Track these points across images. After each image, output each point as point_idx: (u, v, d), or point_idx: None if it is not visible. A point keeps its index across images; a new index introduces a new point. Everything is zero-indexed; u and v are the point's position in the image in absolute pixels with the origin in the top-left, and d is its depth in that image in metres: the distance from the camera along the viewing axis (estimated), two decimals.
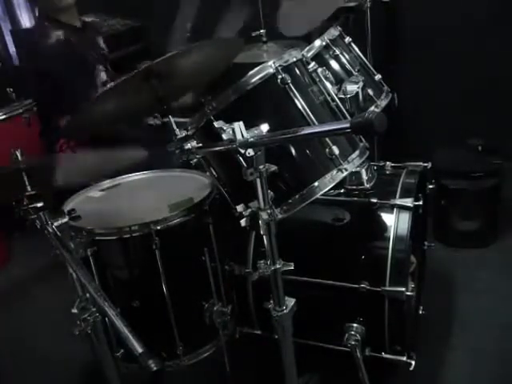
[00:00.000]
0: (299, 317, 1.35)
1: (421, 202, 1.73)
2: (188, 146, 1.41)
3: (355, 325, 1.68)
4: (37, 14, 2.59)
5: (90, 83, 2.33)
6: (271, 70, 1.43)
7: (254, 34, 2.58)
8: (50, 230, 1.23)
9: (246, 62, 2.21)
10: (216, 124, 1.24)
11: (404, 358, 1.68)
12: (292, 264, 1.31)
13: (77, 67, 2.25)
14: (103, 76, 2.40)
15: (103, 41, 2.51)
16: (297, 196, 1.41)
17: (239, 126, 1.19)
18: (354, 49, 1.97)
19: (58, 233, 1.23)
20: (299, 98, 1.44)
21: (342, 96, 1.76)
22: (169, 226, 1.58)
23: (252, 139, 1.19)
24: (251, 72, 1.43)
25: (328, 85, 1.62)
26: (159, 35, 3.55)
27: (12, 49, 3.75)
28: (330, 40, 1.87)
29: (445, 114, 2.94)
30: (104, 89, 2.33)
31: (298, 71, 1.51)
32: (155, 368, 0.99)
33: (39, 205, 1.21)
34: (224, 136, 1.21)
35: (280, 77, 1.43)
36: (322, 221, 1.81)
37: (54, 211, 1.28)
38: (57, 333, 2.22)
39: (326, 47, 1.87)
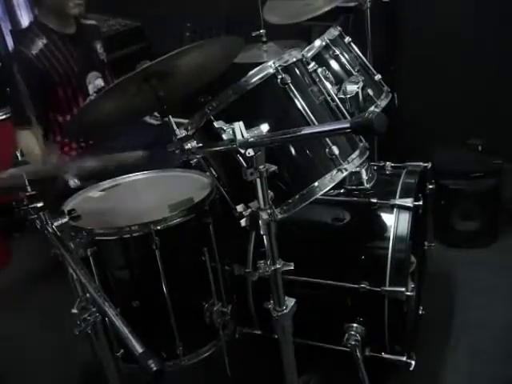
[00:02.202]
0: (299, 317, 1.35)
1: (421, 202, 1.73)
2: (188, 146, 1.41)
3: (355, 325, 1.68)
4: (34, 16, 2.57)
5: (75, 92, 2.31)
6: (271, 70, 1.43)
7: (254, 34, 2.58)
8: (50, 229, 1.23)
9: (246, 62, 2.21)
10: (216, 124, 1.24)
11: (404, 358, 1.68)
12: (292, 264, 1.31)
13: (52, 80, 2.23)
14: (99, 82, 2.39)
15: (102, 45, 2.47)
16: (297, 196, 1.41)
17: (239, 125, 1.19)
18: (353, 49, 1.97)
19: (58, 233, 1.23)
20: (299, 98, 1.44)
21: (342, 96, 1.76)
22: (169, 225, 1.58)
23: (252, 139, 1.19)
24: (251, 72, 1.43)
25: (328, 85, 1.62)
26: (159, 35, 3.56)
27: (12, 49, 3.74)
28: (329, 40, 1.87)
29: (445, 114, 2.94)
30: (99, 93, 2.33)
31: (298, 71, 1.51)
32: (155, 368, 0.98)
33: (39, 205, 1.21)
34: (224, 136, 1.21)
35: (280, 77, 1.43)
36: (322, 221, 1.81)
37: (54, 211, 1.29)
38: (57, 333, 2.23)
39: (326, 47, 1.87)
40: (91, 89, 2.35)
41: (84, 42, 2.40)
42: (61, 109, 2.28)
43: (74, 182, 1.81)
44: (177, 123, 1.48)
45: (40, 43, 2.21)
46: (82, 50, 2.36)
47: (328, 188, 1.42)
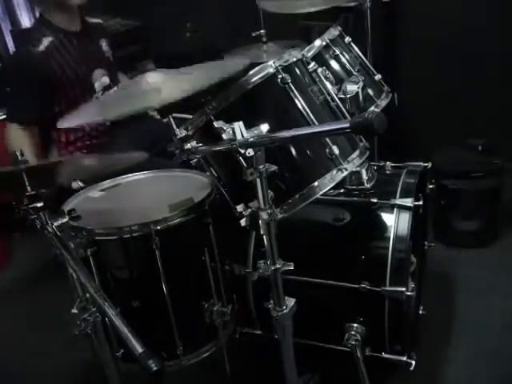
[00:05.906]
0: (299, 317, 1.35)
1: (421, 202, 1.73)
2: (188, 146, 1.41)
3: (355, 325, 1.68)
4: (37, 15, 2.56)
5: (82, 90, 2.29)
6: (271, 70, 1.43)
7: (254, 34, 2.58)
8: (50, 229, 1.22)
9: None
10: (216, 124, 1.24)
11: (404, 358, 1.68)
12: (292, 264, 1.31)
13: (59, 77, 2.21)
14: (105, 80, 2.39)
15: (107, 43, 2.46)
16: (297, 196, 1.41)
17: (239, 126, 1.19)
18: (353, 49, 1.98)
19: (58, 233, 1.23)
20: (299, 97, 1.44)
21: (342, 96, 1.76)
22: (169, 225, 1.57)
23: (252, 139, 1.19)
24: (251, 72, 1.43)
25: (328, 85, 1.62)
26: (159, 35, 3.56)
27: (12, 49, 3.75)
28: (329, 40, 1.87)
29: (445, 114, 2.94)
30: (106, 92, 2.33)
31: (298, 71, 1.51)
32: (155, 368, 0.99)
33: (39, 205, 1.21)
34: (224, 136, 1.21)
35: (280, 77, 1.43)
36: (322, 221, 1.81)
37: (54, 211, 1.28)
38: (57, 333, 2.23)
39: (326, 47, 1.87)
40: (97, 86, 2.35)
41: (89, 39, 2.38)
42: (67, 107, 2.27)
43: (77, 184, 1.81)
44: (180, 119, 1.47)
45: (46, 41, 2.20)
46: (87, 48, 2.34)
47: (328, 188, 1.42)
